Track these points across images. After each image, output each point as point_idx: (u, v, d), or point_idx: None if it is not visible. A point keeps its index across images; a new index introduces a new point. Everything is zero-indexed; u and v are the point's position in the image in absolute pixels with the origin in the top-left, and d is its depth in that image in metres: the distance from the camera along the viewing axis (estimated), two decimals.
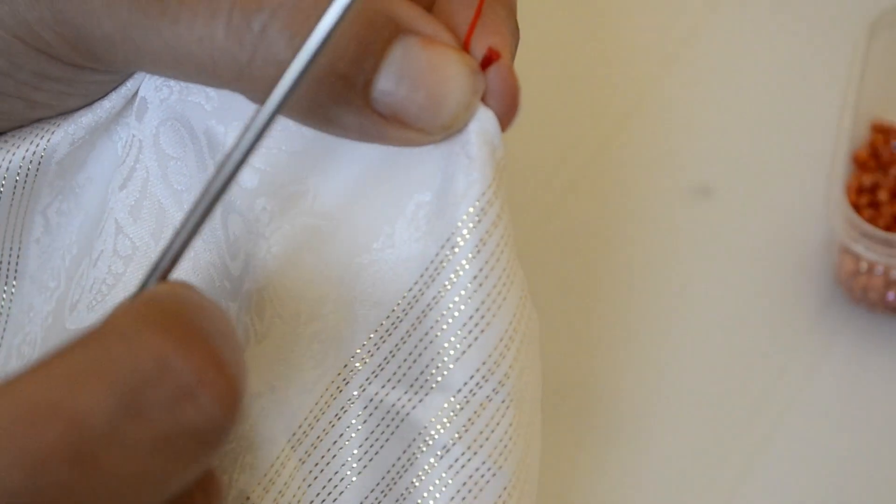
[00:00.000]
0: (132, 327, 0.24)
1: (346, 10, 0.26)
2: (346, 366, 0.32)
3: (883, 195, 0.55)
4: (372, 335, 0.32)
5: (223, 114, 0.32)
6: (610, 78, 0.63)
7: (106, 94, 0.34)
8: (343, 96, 0.29)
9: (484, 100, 0.30)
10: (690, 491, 0.50)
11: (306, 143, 0.31)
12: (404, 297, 0.31)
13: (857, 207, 0.55)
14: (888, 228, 0.54)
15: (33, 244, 0.36)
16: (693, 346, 0.54)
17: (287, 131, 0.31)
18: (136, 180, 0.34)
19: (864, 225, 0.51)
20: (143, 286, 0.27)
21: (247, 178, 0.32)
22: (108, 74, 0.32)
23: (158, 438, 0.23)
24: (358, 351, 0.32)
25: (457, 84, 0.29)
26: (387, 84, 0.29)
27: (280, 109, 0.27)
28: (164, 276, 0.27)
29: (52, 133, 0.34)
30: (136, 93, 0.34)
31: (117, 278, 0.34)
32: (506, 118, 0.31)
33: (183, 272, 0.33)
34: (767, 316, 0.55)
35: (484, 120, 0.30)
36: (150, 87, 0.33)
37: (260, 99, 0.29)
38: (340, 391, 0.32)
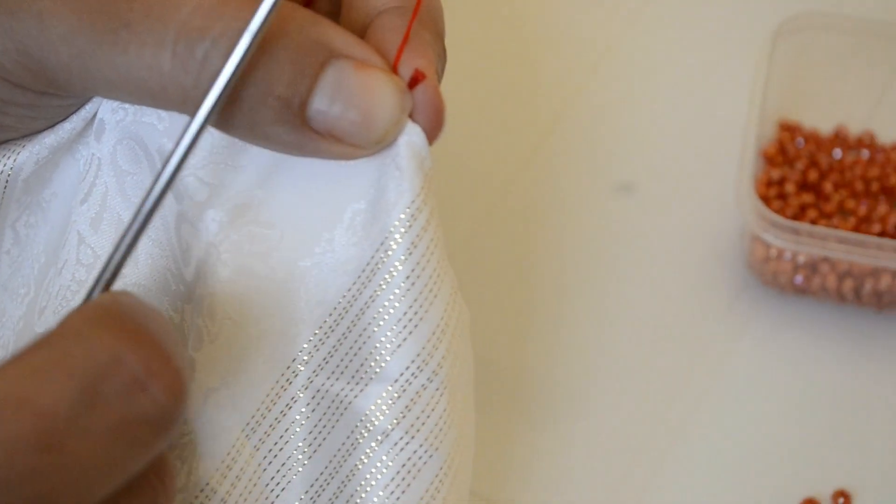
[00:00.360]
0: (87, 328, 0.25)
1: (263, 26, 0.27)
2: (294, 360, 0.32)
3: (790, 187, 0.58)
4: (316, 332, 0.32)
5: (174, 133, 0.33)
6: (538, 87, 0.63)
7: (67, 117, 0.34)
8: (281, 116, 0.29)
9: (412, 116, 0.31)
10: (618, 469, 0.51)
11: (251, 159, 0.32)
12: (344, 296, 0.32)
13: (766, 199, 0.57)
14: (795, 217, 0.57)
15: (4, 255, 0.37)
16: (618, 332, 0.55)
17: (233, 148, 0.32)
18: (96, 195, 0.34)
19: (772, 215, 0.52)
20: (90, 295, 0.28)
21: (197, 191, 0.32)
22: (68, 99, 0.33)
23: (116, 425, 0.24)
24: (305, 346, 0.32)
25: (386, 103, 0.30)
26: (321, 104, 0.29)
27: (207, 122, 0.28)
28: (108, 287, 0.28)
29: (18, 154, 0.34)
30: (95, 115, 0.34)
31: (80, 285, 0.35)
32: (432, 132, 0.32)
33: (142, 276, 0.34)
34: (687, 301, 0.56)
35: (412, 134, 0.31)
36: (107, 110, 0.34)
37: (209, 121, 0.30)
38: (290, 383, 0.33)
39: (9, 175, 0.35)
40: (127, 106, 0.33)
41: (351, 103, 0.29)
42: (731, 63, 0.63)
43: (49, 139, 0.34)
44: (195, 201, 0.32)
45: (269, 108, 0.29)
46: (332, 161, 0.31)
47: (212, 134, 0.32)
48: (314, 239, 0.32)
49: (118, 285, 0.32)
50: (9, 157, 0.34)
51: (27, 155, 0.34)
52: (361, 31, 0.33)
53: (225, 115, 0.29)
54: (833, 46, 0.61)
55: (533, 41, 0.65)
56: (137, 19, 0.29)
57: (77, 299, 0.35)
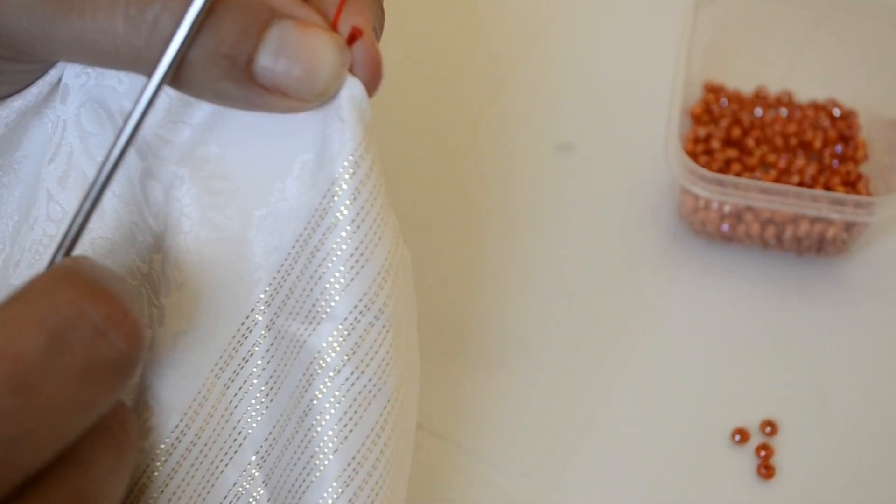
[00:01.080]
0: (51, 285, 0.26)
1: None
2: (257, 302, 0.33)
3: (715, 143, 0.60)
4: (275, 276, 0.33)
5: (134, 94, 0.33)
6: (483, 55, 0.64)
7: (32, 82, 0.34)
8: (229, 73, 0.30)
9: (352, 71, 0.32)
10: (561, 406, 0.52)
11: (206, 117, 0.32)
12: (297, 241, 0.32)
13: (694, 155, 0.59)
14: (720, 171, 0.59)
15: None
16: (561, 279, 0.56)
17: (189, 107, 0.32)
18: (63, 154, 0.35)
19: (699, 169, 0.54)
20: (55, 257, 0.29)
21: (159, 148, 0.32)
22: (32, 64, 0.33)
23: (83, 369, 0.25)
24: (266, 289, 0.33)
25: (327, 58, 0.30)
26: (266, 61, 0.30)
27: (163, 82, 0.28)
28: (73, 245, 0.29)
29: None
30: (61, 79, 0.34)
31: (51, 239, 0.35)
32: (371, 85, 0.32)
33: (108, 230, 0.34)
34: (624, 250, 0.57)
35: (352, 88, 0.31)
36: (71, 75, 0.34)
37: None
38: (255, 323, 0.33)
39: None
40: (89, 70, 0.34)
41: (294, 60, 0.30)
42: (658, 30, 0.64)
43: (17, 103, 0.34)
44: (158, 157, 0.32)
45: (218, 66, 0.30)
46: (280, 115, 0.32)
47: (168, 94, 0.32)
48: (268, 189, 0.32)
49: (86, 239, 0.34)
50: None
51: None
52: None
53: (178, 75, 0.30)
54: (751, 13, 0.62)
55: (479, 11, 0.66)
56: None
57: (48, 252, 0.35)
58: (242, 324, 0.33)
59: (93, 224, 0.34)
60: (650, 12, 0.66)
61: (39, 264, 0.35)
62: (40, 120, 0.35)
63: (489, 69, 0.63)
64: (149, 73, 0.30)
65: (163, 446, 0.32)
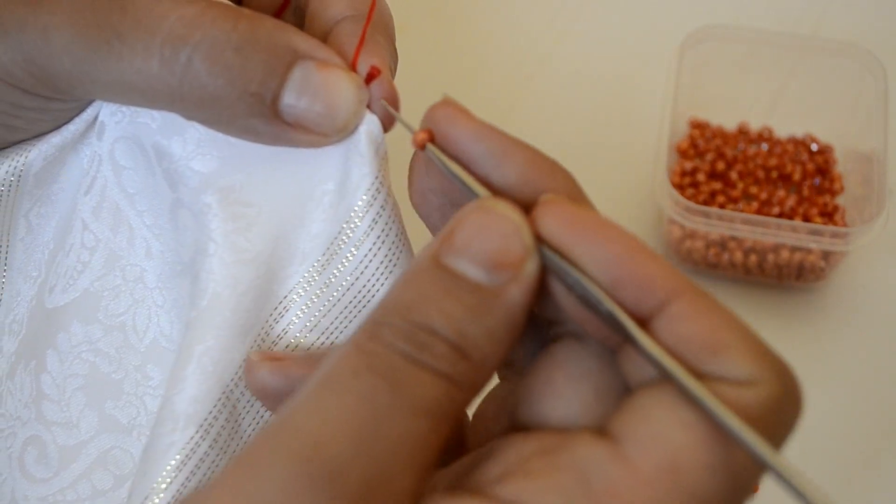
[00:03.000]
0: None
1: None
2: (276, 308, 0.34)
3: (701, 177, 0.62)
4: (287, 294, 0.33)
5: (166, 130, 0.34)
6: (480, 92, 0.65)
7: (71, 119, 0.35)
8: (256, 110, 0.31)
9: (370, 107, 0.33)
10: None
11: (233, 150, 0.33)
12: (314, 266, 0.33)
13: (681, 187, 0.61)
14: (705, 203, 0.61)
15: (19, 242, 0.38)
16: None
17: (217, 142, 0.33)
18: (97, 187, 0.36)
19: (685, 201, 0.56)
20: None
21: (190, 179, 0.33)
22: (71, 103, 0.34)
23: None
24: (281, 302, 0.33)
25: (346, 96, 0.31)
26: (290, 99, 0.31)
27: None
28: None
29: (29, 152, 0.36)
30: (97, 117, 0.35)
31: (84, 265, 0.36)
32: (388, 121, 0.33)
33: (138, 258, 0.35)
34: None
35: (370, 123, 0.32)
36: (107, 113, 0.35)
37: (192, 117, 0.32)
38: (272, 328, 0.33)
39: (21, 170, 0.36)
40: (125, 109, 0.35)
41: (316, 97, 0.31)
42: (646, 71, 0.66)
43: (56, 139, 0.36)
44: (190, 188, 0.33)
45: (245, 104, 0.31)
46: (303, 150, 0.33)
47: (198, 129, 0.33)
48: (288, 216, 0.33)
49: (117, 265, 0.35)
50: (21, 156, 0.36)
51: (37, 153, 0.36)
52: (323, 38, 0.34)
53: (209, 113, 0.31)
54: (734, 54, 0.64)
55: (477, 52, 0.68)
56: (128, 30, 0.31)
57: (82, 279, 0.36)
58: (255, 341, 0.34)
59: (123, 251, 0.36)
60: (636, 54, 0.68)
61: (73, 289, 0.36)
62: (76, 154, 0.36)
63: (485, 106, 0.63)
64: (182, 112, 0.32)
65: (178, 457, 0.31)
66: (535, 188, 0.28)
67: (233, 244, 0.33)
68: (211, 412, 0.32)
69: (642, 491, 0.24)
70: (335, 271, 0.33)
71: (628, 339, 0.26)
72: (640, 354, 0.26)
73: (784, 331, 0.58)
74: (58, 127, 0.36)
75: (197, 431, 0.32)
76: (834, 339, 0.58)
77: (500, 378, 0.32)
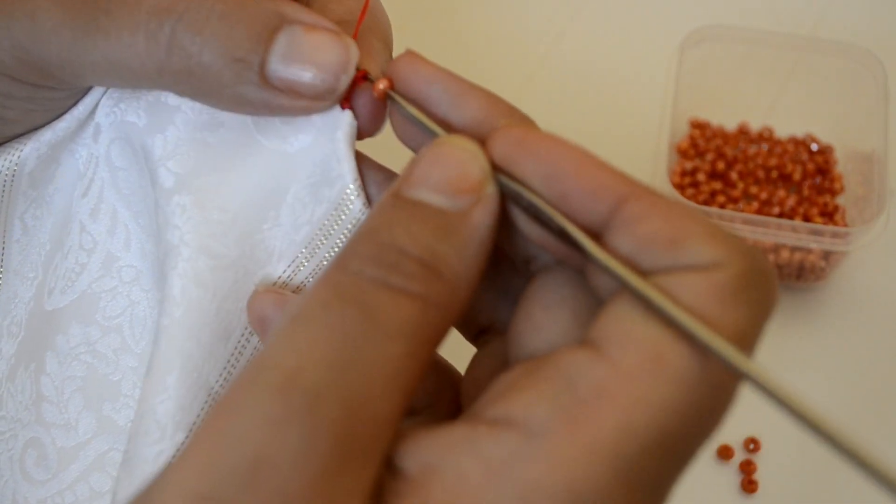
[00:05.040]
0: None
1: None
2: (246, 327, 0.33)
3: (701, 177, 0.62)
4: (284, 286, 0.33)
5: (150, 129, 0.33)
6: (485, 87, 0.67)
7: (61, 115, 0.35)
8: (244, 77, 0.30)
9: (354, 110, 0.32)
10: None
11: (209, 151, 0.33)
12: (288, 267, 0.33)
13: (681, 187, 0.61)
14: (706, 203, 0.61)
15: (14, 244, 0.38)
16: None
17: (193, 142, 0.33)
18: (95, 189, 0.36)
19: (685, 201, 0.56)
20: None
21: (166, 179, 0.33)
22: (62, 91, 0.34)
23: None
24: (274, 283, 0.33)
25: (334, 57, 0.31)
26: (278, 63, 0.30)
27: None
28: None
29: (21, 150, 0.35)
30: (92, 116, 0.35)
31: (83, 267, 0.36)
32: (374, 127, 0.33)
33: (133, 258, 0.35)
34: None
35: (345, 126, 0.32)
36: (102, 114, 0.35)
37: (182, 91, 0.32)
38: (249, 342, 0.33)
39: (15, 168, 0.35)
40: (117, 109, 0.34)
41: (304, 60, 0.30)
42: (646, 71, 0.66)
43: (48, 136, 0.35)
44: (164, 188, 0.33)
45: (233, 72, 0.30)
46: (275, 151, 0.32)
47: (178, 128, 0.33)
48: (263, 216, 0.33)
49: (114, 266, 0.35)
50: (14, 153, 0.35)
51: (29, 150, 0.35)
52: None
53: (198, 84, 0.31)
54: (734, 54, 0.64)
55: (476, 53, 0.68)
56: (114, 7, 0.31)
57: (80, 280, 0.36)
58: (238, 342, 0.33)
59: (120, 252, 0.35)
60: (636, 54, 0.68)
61: (72, 291, 0.36)
62: (72, 156, 0.36)
63: None
64: (171, 86, 0.31)
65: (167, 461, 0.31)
66: (494, 127, 0.29)
67: (209, 249, 0.32)
68: (199, 415, 0.32)
69: (628, 384, 0.24)
70: (315, 270, 0.33)
71: (584, 253, 0.26)
72: (597, 266, 0.26)
73: (784, 330, 0.57)
74: (49, 121, 0.35)
75: (187, 437, 0.31)
76: (834, 338, 0.58)
77: (478, 346, 0.32)
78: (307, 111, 0.32)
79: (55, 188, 0.37)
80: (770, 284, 0.26)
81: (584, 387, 0.24)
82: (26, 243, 0.38)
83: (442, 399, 0.32)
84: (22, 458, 0.36)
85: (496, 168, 0.27)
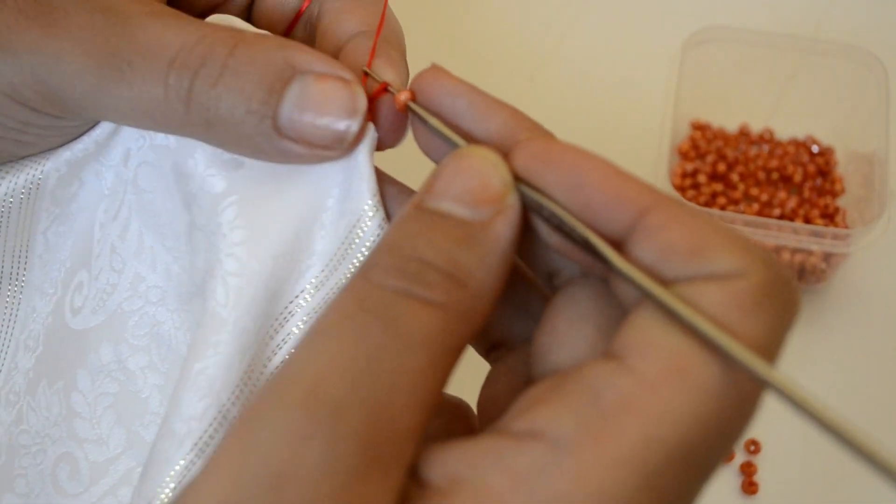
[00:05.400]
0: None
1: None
2: (272, 325, 0.33)
3: (702, 178, 0.62)
4: (283, 309, 0.33)
5: (181, 151, 0.34)
6: (487, 89, 0.67)
7: (79, 137, 0.36)
8: (259, 129, 0.31)
9: (377, 123, 0.32)
10: None
11: (237, 171, 0.33)
12: (311, 282, 0.32)
13: (682, 189, 0.61)
14: (707, 204, 0.61)
15: (37, 259, 0.38)
16: None
17: (224, 162, 0.33)
18: (124, 211, 0.36)
19: (685, 202, 0.56)
20: None
21: (204, 200, 0.33)
22: (80, 121, 0.35)
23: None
24: (277, 318, 0.33)
25: (342, 106, 0.31)
26: (290, 114, 0.31)
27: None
28: None
29: (43, 166, 0.36)
30: (120, 141, 0.36)
31: (113, 287, 0.36)
32: (395, 138, 0.33)
33: (159, 279, 0.36)
34: None
35: (367, 138, 0.32)
36: (131, 139, 0.35)
37: (205, 140, 0.32)
38: (271, 359, 0.33)
39: (39, 181, 0.36)
40: (145, 135, 0.35)
41: (314, 111, 0.31)
42: (647, 73, 0.66)
43: (66, 155, 0.36)
44: (203, 208, 0.34)
45: (249, 124, 0.31)
46: (301, 168, 0.33)
47: (206, 150, 0.33)
48: (288, 234, 0.33)
49: (142, 287, 0.36)
50: (35, 169, 0.36)
51: (49, 169, 0.36)
52: (335, 54, 0.34)
53: (218, 136, 0.32)
54: (735, 56, 0.64)
55: (480, 55, 0.68)
56: (137, 59, 0.31)
57: (110, 301, 0.37)
58: (268, 332, 0.33)
59: (146, 273, 0.36)
60: (637, 56, 0.68)
61: (104, 310, 0.37)
62: (97, 177, 0.37)
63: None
64: (193, 135, 0.32)
65: (182, 462, 0.31)
66: (517, 141, 0.29)
67: (236, 265, 0.33)
68: (206, 431, 0.32)
69: (652, 396, 0.24)
70: (334, 286, 0.33)
71: (607, 263, 0.26)
72: (619, 276, 0.26)
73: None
74: (66, 142, 0.36)
75: (191, 450, 0.31)
76: (835, 340, 0.58)
77: (492, 361, 0.32)
78: (322, 160, 0.32)
79: (78, 206, 0.38)
80: (791, 293, 0.26)
81: (609, 399, 0.24)
82: (47, 259, 0.38)
83: (455, 429, 0.32)
84: (54, 473, 0.37)
85: (518, 178, 0.28)
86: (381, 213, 0.32)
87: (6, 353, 0.39)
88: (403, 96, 0.31)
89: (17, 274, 0.39)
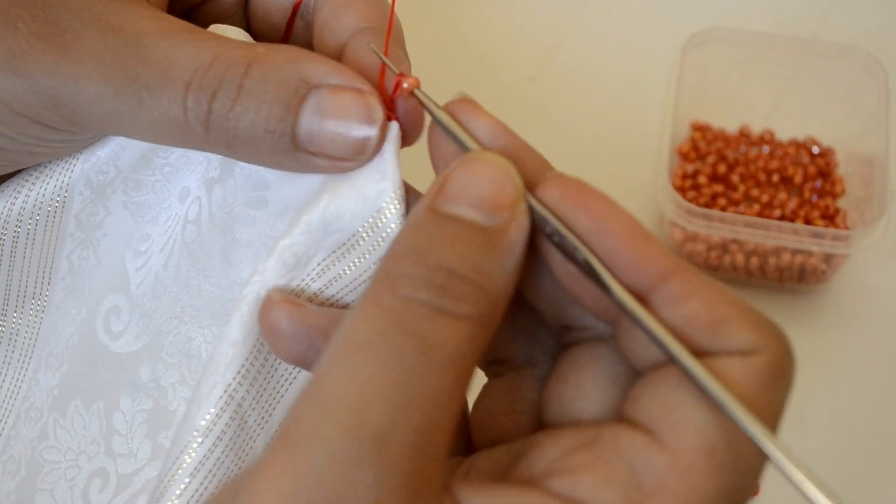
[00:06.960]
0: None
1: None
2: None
3: (702, 179, 0.62)
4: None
5: (213, 171, 0.35)
6: (485, 95, 0.67)
7: (96, 147, 0.37)
8: (279, 146, 0.31)
9: (399, 120, 0.32)
10: None
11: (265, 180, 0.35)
12: (320, 264, 0.33)
13: (682, 190, 0.61)
14: (707, 205, 0.61)
15: (60, 281, 0.39)
16: None
17: (251, 177, 0.35)
18: (170, 244, 0.37)
19: (686, 204, 0.56)
20: None
21: (247, 219, 0.35)
22: (95, 133, 0.36)
23: None
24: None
25: (358, 119, 0.31)
26: (308, 129, 0.31)
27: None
28: None
29: (72, 171, 0.37)
30: (141, 172, 0.37)
31: (154, 311, 0.37)
32: (414, 133, 0.33)
33: (192, 298, 0.37)
34: None
35: (392, 137, 0.32)
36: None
37: (228, 156, 0.33)
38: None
39: (65, 199, 0.38)
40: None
41: (331, 125, 0.31)
42: (648, 74, 0.66)
43: (88, 174, 0.37)
44: (244, 225, 0.35)
45: (269, 142, 0.31)
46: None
47: (241, 167, 0.35)
48: (314, 238, 0.33)
49: (178, 306, 0.37)
50: (66, 174, 0.37)
51: (74, 184, 0.37)
52: (336, 51, 0.35)
53: (239, 153, 0.32)
54: (735, 57, 0.64)
55: (479, 58, 0.68)
56: (154, 83, 0.32)
57: (153, 324, 0.38)
58: (254, 345, 0.34)
59: (181, 294, 0.37)
60: (637, 58, 0.68)
61: (146, 334, 0.38)
62: (126, 209, 0.38)
63: (487, 108, 0.64)
64: (217, 153, 0.33)
65: (203, 422, 0.32)
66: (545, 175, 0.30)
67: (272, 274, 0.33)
68: (239, 371, 0.33)
69: (688, 479, 0.26)
70: (340, 273, 0.33)
71: (606, 289, 0.27)
72: (644, 333, 0.27)
73: (787, 333, 0.58)
74: (81, 149, 0.37)
75: (221, 397, 0.32)
76: (835, 341, 0.58)
77: (490, 375, 0.33)
78: (343, 170, 0.32)
79: (103, 233, 0.38)
80: (794, 365, 0.27)
81: (647, 478, 0.26)
82: (71, 282, 0.39)
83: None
84: (86, 488, 0.38)
85: (526, 189, 0.28)
86: (403, 208, 0.32)
87: (27, 369, 0.40)
88: (407, 83, 0.31)
89: (41, 293, 0.39)
